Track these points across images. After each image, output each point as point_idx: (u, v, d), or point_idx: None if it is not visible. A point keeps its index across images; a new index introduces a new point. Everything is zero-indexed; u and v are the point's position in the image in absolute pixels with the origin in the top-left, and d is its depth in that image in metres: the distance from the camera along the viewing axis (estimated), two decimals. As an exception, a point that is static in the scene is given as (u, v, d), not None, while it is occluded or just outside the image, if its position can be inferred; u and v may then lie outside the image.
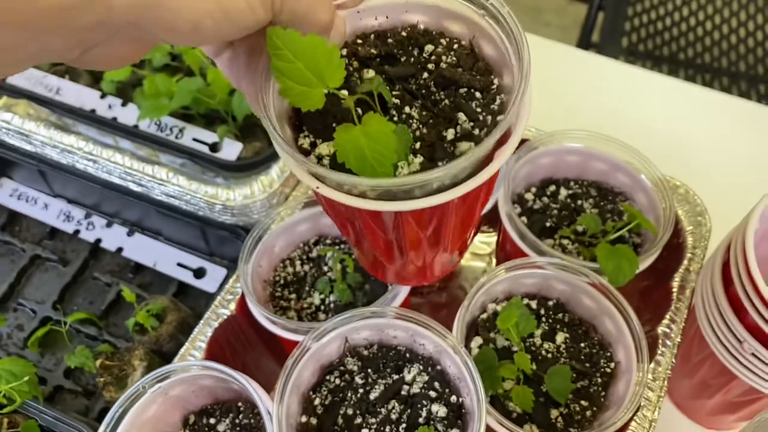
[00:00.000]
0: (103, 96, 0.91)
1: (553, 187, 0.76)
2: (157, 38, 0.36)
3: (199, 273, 0.87)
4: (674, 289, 0.71)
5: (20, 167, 0.92)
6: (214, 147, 0.86)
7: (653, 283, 0.74)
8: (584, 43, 1.90)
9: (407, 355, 0.63)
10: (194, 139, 0.87)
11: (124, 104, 0.90)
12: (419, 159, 0.42)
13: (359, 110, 0.43)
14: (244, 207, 0.75)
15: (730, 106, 1.00)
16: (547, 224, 0.73)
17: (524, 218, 0.73)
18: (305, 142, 0.44)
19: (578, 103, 0.96)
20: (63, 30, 0.31)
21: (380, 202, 0.41)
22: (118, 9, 0.32)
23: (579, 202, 0.75)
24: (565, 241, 0.72)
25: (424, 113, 0.44)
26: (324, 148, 0.43)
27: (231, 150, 0.85)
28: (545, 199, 0.76)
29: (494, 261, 0.86)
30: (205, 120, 0.89)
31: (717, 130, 0.97)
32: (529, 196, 0.76)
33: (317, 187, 0.42)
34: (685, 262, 0.72)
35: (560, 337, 0.66)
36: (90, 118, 0.88)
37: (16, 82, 0.93)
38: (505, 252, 0.75)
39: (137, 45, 0.37)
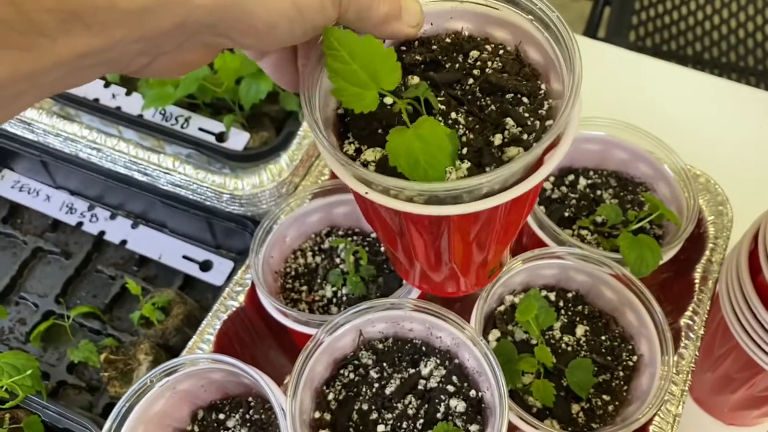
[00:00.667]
0: (106, 85, 0.89)
1: (571, 177, 0.74)
2: (230, 41, 0.35)
3: (206, 266, 0.85)
4: (696, 281, 0.69)
5: (22, 158, 0.90)
6: (221, 137, 0.84)
7: (673, 274, 0.72)
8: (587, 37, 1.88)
9: (423, 348, 0.61)
10: (200, 129, 0.85)
11: (128, 93, 0.88)
12: (466, 164, 0.41)
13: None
14: (253, 196, 0.73)
15: (743, 95, 0.98)
16: (566, 214, 0.71)
17: (542, 207, 0.71)
18: (350, 149, 0.43)
19: (592, 92, 0.94)
20: (141, 33, 0.30)
21: (430, 206, 0.40)
22: (198, 10, 0.31)
23: (598, 192, 0.73)
24: (584, 232, 0.70)
25: (470, 119, 0.44)
26: (370, 154, 0.42)
27: (238, 140, 0.83)
28: (564, 188, 0.73)
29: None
30: (211, 109, 0.87)
31: (732, 119, 0.95)
32: (547, 185, 0.74)
33: (366, 192, 0.41)
34: (707, 252, 0.70)
35: (580, 330, 0.64)
36: (93, 107, 0.86)
37: (18, 70, 0.91)
38: (522, 242, 0.73)
39: (205, 51, 0.36)
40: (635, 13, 1.68)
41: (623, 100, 0.91)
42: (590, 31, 1.80)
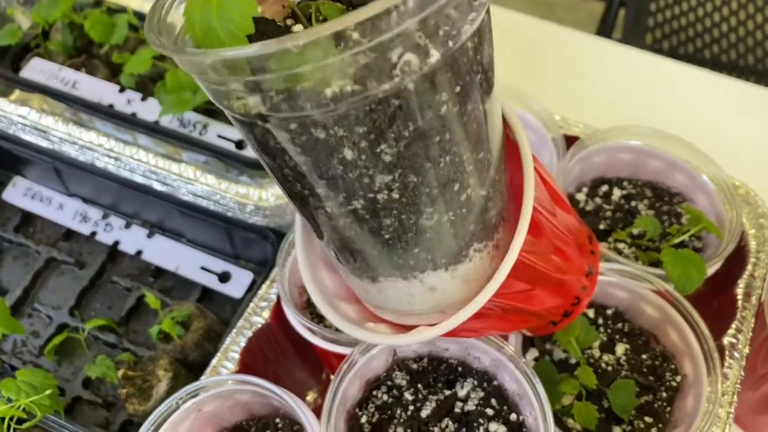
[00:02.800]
0: (121, 90, 0.87)
1: (605, 187, 0.72)
2: None
3: (224, 277, 0.83)
4: (739, 297, 0.66)
5: (34, 165, 0.87)
6: (240, 144, 0.82)
7: (712, 290, 0.69)
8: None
9: (460, 369, 0.58)
10: (219, 136, 0.82)
11: (144, 99, 0.86)
12: None
13: None
14: (278, 208, 0.71)
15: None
16: (601, 226, 0.69)
17: (577, 220, 0.69)
18: None
19: (618, 98, 0.91)
20: None
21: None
22: None
23: (633, 203, 0.70)
24: (620, 245, 0.68)
25: None
26: None
27: (258, 147, 0.80)
28: (597, 199, 0.71)
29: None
30: (230, 115, 0.85)
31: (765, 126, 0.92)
32: (580, 196, 0.71)
33: None
34: (749, 267, 0.67)
35: (620, 349, 0.62)
36: (108, 113, 0.84)
37: (30, 75, 0.88)
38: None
39: None
40: (651, 14, 1.65)
41: (653, 108, 0.88)
42: (604, 33, 1.77)
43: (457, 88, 0.32)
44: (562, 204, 0.45)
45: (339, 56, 0.28)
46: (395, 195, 0.34)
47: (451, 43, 0.30)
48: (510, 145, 0.44)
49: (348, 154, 0.32)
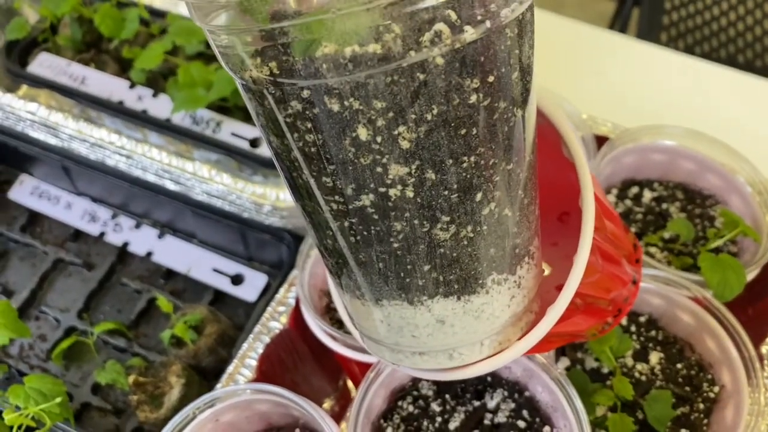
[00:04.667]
0: (132, 86, 0.84)
1: (635, 189, 0.69)
2: None
3: (237, 279, 0.80)
4: (776, 304, 0.63)
5: (42, 162, 0.85)
6: (254, 142, 0.79)
7: (747, 296, 0.67)
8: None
9: (489, 378, 0.56)
10: (233, 134, 0.80)
11: (155, 95, 0.83)
12: None
13: None
14: (296, 208, 0.68)
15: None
16: (632, 229, 0.66)
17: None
18: None
19: (641, 96, 0.88)
20: None
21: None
22: None
23: (664, 205, 0.68)
24: (652, 249, 0.65)
25: None
26: None
27: (273, 146, 0.78)
28: (628, 201, 0.68)
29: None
30: (244, 113, 0.82)
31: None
32: (610, 198, 0.68)
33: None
34: (787, 272, 0.65)
35: (654, 357, 0.59)
36: (118, 110, 0.81)
37: (38, 70, 0.86)
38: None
39: None
40: (666, 13, 1.63)
41: (678, 106, 0.85)
42: (617, 31, 1.74)
43: (491, 78, 0.29)
44: (609, 214, 0.43)
45: (363, 6, 0.26)
46: (409, 193, 0.30)
47: (488, 23, 0.28)
48: (548, 151, 0.41)
49: (362, 133, 0.29)
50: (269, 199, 0.69)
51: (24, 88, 0.88)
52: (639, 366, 0.59)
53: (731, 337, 0.57)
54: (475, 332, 0.36)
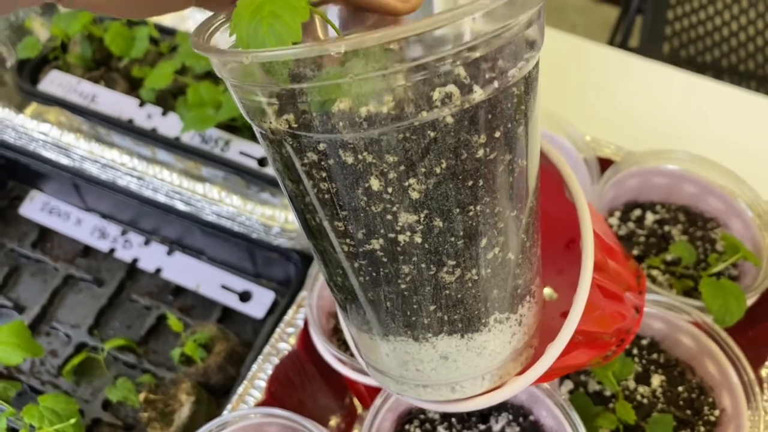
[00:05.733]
0: (141, 104, 0.85)
1: (638, 211, 0.70)
2: None
3: (245, 296, 0.81)
4: (775, 327, 0.65)
5: (52, 179, 0.86)
6: (262, 161, 0.80)
7: (747, 319, 0.68)
8: (614, 46, 1.84)
9: (494, 401, 0.57)
10: (241, 153, 0.81)
11: (164, 113, 0.85)
12: None
13: None
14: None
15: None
16: (635, 252, 0.67)
17: (610, 246, 0.67)
18: None
19: (644, 115, 0.89)
20: None
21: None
22: None
23: (666, 227, 0.69)
24: (654, 272, 0.66)
25: None
26: None
27: (281, 165, 0.79)
28: (630, 224, 0.70)
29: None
30: (251, 132, 0.83)
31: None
32: (613, 220, 0.70)
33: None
34: (786, 296, 0.66)
35: (656, 380, 0.60)
36: (129, 129, 0.83)
37: (49, 88, 0.87)
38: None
39: None
40: (669, 23, 1.64)
41: (681, 125, 0.86)
42: (620, 40, 1.76)
43: (497, 133, 0.30)
44: (611, 251, 0.44)
45: (379, 72, 0.27)
46: (418, 239, 0.32)
47: (496, 84, 0.29)
48: (555, 180, 0.42)
49: (375, 183, 0.30)
50: (278, 221, 0.70)
51: (34, 105, 0.89)
52: (641, 388, 0.60)
53: (731, 361, 0.58)
54: (477, 367, 0.37)
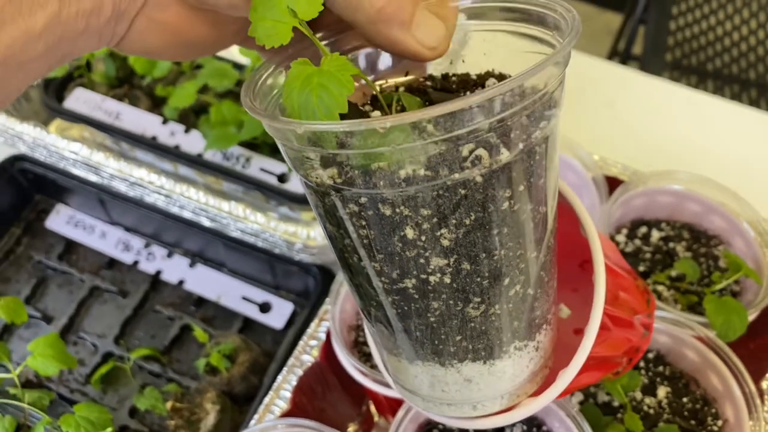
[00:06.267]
0: (164, 122, 0.89)
1: (644, 229, 0.74)
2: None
3: (265, 307, 0.85)
4: (776, 340, 0.68)
5: (78, 194, 0.89)
6: (282, 177, 0.83)
7: (749, 332, 0.71)
8: (617, 53, 1.87)
9: (509, 412, 0.60)
10: (261, 169, 0.84)
11: (187, 131, 0.88)
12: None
13: None
14: (325, 246, 0.73)
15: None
16: (641, 268, 0.71)
17: (618, 263, 0.71)
18: None
19: (649, 133, 0.93)
20: None
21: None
22: None
23: (671, 244, 0.72)
24: (660, 287, 0.69)
25: None
26: None
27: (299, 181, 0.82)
28: (637, 241, 0.73)
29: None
30: (272, 148, 0.87)
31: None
32: (620, 238, 0.73)
33: None
34: (786, 310, 0.69)
35: (662, 392, 0.64)
36: (153, 145, 0.86)
37: (74, 105, 0.90)
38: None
39: (185, 11, 0.35)
40: (671, 33, 1.67)
41: (686, 143, 0.90)
42: (623, 50, 1.79)
43: (521, 187, 0.34)
44: (621, 280, 0.47)
45: (416, 143, 0.30)
46: (447, 279, 0.35)
47: (521, 145, 0.32)
48: (560, 225, 0.45)
49: (409, 233, 0.33)
50: (300, 237, 0.73)
51: (57, 121, 0.92)
52: (647, 399, 0.63)
53: (733, 374, 0.61)
54: (497, 389, 0.41)
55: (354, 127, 0.30)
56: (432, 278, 0.35)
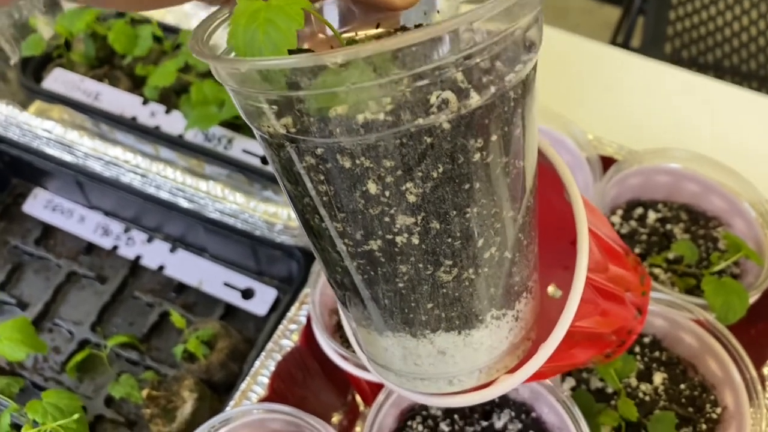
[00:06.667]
0: (145, 102, 0.86)
1: (640, 210, 0.71)
2: None
3: (247, 293, 0.82)
4: (778, 325, 0.65)
5: (56, 177, 0.86)
6: (266, 159, 0.80)
7: (749, 317, 0.68)
8: (616, 45, 1.84)
9: (496, 399, 0.57)
10: (244, 151, 0.81)
11: (167, 111, 0.85)
12: None
13: None
14: (306, 229, 0.69)
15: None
16: (637, 250, 0.68)
17: (612, 244, 0.68)
18: None
19: (647, 115, 0.90)
20: None
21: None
22: None
23: (668, 226, 0.69)
24: (656, 270, 0.66)
25: None
26: None
27: (284, 162, 0.79)
28: (633, 222, 0.70)
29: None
30: (254, 129, 0.84)
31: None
32: (615, 219, 0.70)
33: None
34: (788, 294, 0.66)
35: (658, 378, 0.61)
36: (132, 126, 0.83)
37: (52, 86, 0.87)
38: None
39: None
40: (671, 23, 1.64)
41: (684, 125, 0.87)
42: (622, 41, 1.76)
43: (494, 137, 0.31)
44: (613, 253, 0.44)
45: (375, 81, 0.27)
46: (415, 240, 0.32)
47: (493, 89, 0.29)
48: (552, 201, 0.42)
49: (372, 187, 0.30)
50: (281, 218, 0.70)
51: (37, 103, 0.90)
52: (643, 386, 0.60)
53: (733, 359, 0.58)
54: (475, 362, 0.38)
55: (302, 62, 0.27)
56: (399, 239, 0.32)
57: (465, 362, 0.37)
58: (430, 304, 0.34)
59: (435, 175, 0.30)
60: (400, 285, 0.34)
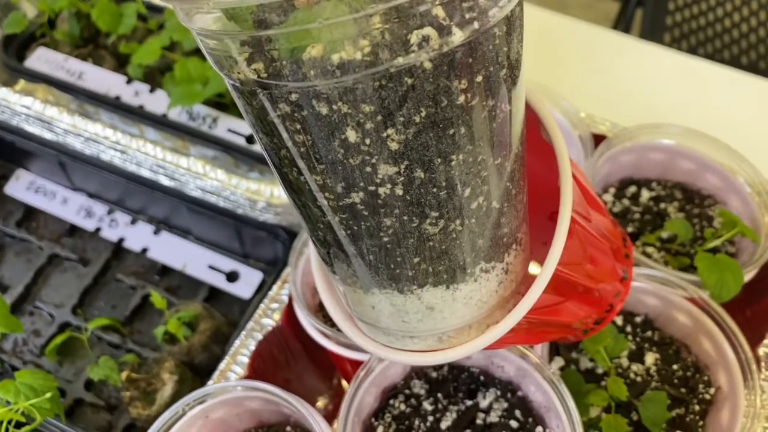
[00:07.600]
0: (129, 81, 0.84)
1: (633, 188, 0.69)
2: None
3: (232, 276, 0.80)
4: (774, 305, 0.63)
5: (38, 157, 0.85)
6: (250, 138, 0.79)
7: (745, 297, 0.66)
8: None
9: (482, 378, 0.55)
10: (229, 130, 0.80)
11: (152, 90, 0.83)
12: None
13: None
14: (290, 205, 0.68)
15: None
16: (629, 229, 0.66)
17: (604, 222, 0.66)
18: None
19: (642, 96, 0.88)
20: None
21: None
22: None
23: (662, 205, 0.67)
24: (649, 249, 0.64)
25: None
26: None
27: (269, 142, 0.77)
28: (625, 201, 0.68)
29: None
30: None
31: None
32: (607, 197, 0.68)
33: None
34: (785, 274, 0.64)
35: (650, 358, 0.59)
36: (115, 105, 0.81)
37: (35, 65, 0.86)
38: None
39: None
40: (670, 14, 1.62)
41: (679, 106, 0.85)
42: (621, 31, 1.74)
43: (479, 78, 0.29)
44: (597, 206, 0.42)
45: (349, 16, 0.25)
46: (398, 191, 0.30)
47: (476, 24, 0.27)
48: (539, 150, 0.40)
49: (351, 135, 0.29)
50: (263, 195, 0.68)
51: (22, 83, 0.88)
52: (634, 367, 0.58)
53: (728, 338, 0.56)
54: (464, 317, 0.36)
55: None
56: (381, 190, 0.30)
57: (454, 318, 0.35)
58: (417, 258, 0.33)
59: (417, 119, 0.28)
60: (385, 239, 0.32)
